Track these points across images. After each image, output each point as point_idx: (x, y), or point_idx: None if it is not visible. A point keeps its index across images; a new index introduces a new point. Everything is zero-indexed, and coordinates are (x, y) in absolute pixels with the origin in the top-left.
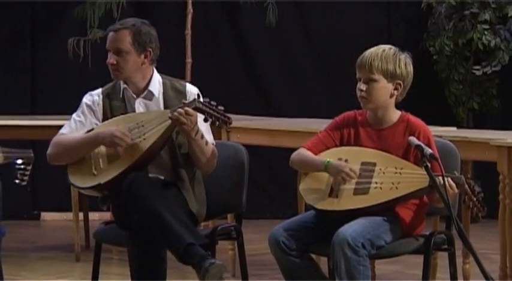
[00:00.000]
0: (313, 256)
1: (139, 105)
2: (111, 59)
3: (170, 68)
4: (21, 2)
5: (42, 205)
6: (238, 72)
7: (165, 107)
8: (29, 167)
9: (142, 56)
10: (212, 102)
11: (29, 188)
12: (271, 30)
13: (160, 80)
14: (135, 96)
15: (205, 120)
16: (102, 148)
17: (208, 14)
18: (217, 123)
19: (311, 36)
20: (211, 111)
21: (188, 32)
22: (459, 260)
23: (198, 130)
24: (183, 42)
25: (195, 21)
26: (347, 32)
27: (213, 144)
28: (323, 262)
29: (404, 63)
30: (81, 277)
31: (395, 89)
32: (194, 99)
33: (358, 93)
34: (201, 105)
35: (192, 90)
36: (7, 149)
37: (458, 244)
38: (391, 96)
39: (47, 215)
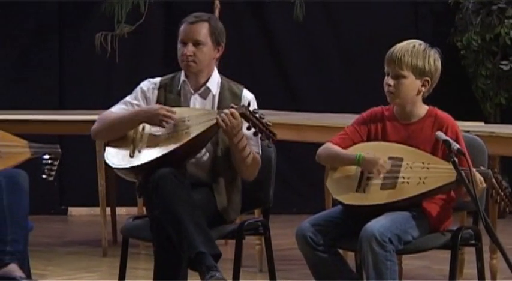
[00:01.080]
0: (341, 251)
1: (195, 101)
2: (188, 50)
3: None
4: None
5: (69, 200)
6: (265, 67)
7: (219, 107)
8: (56, 162)
9: (216, 50)
10: (261, 115)
11: (56, 183)
12: (298, 26)
13: (219, 80)
14: (192, 91)
15: (248, 128)
16: (146, 132)
17: (236, 9)
18: (259, 135)
19: (338, 31)
20: (256, 122)
21: None
22: (486, 256)
23: (242, 137)
24: None
25: (222, 16)
26: (374, 26)
27: (258, 153)
28: (350, 257)
29: (434, 60)
30: (108, 272)
31: (423, 85)
32: (243, 105)
33: (386, 88)
34: (248, 113)
35: (247, 96)
36: (35, 144)
37: (485, 239)
38: (418, 93)
39: (74, 210)
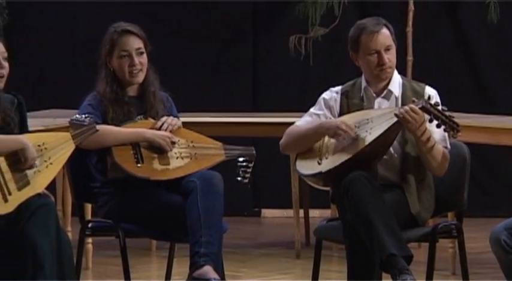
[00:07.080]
0: None
1: (378, 104)
2: (385, 58)
3: None
4: None
5: (263, 201)
6: (459, 68)
7: None
8: (251, 165)
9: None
10: (444, 108)
11: (250, 185)
12: (493, 28)
13: (400, 81)
14: (375, 95)
15: (430, 120)
16: (331, 140)
17: (429, 11)
18: (443, 127)
19: None
20: (438, 114)
21: (409, 29)
22: None
23: (425, 131)
24: (404, 40)
25: (416, 18)
26: None
27: (446, 148)
28: None
29: None
30: (301, 274)
31: None
32: (423, 98)
33: None
34: (428, 106)
35: (430, 92)
36: (229, 146)
37: None
38: None
39: (267, 212)
